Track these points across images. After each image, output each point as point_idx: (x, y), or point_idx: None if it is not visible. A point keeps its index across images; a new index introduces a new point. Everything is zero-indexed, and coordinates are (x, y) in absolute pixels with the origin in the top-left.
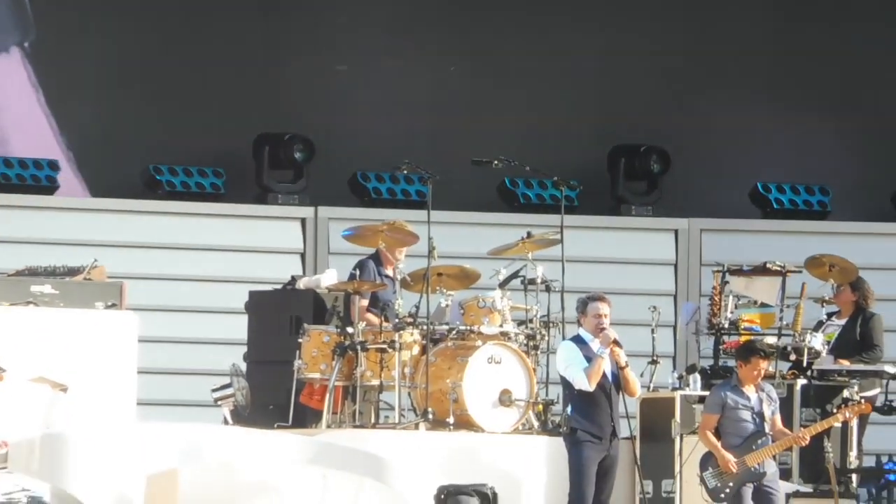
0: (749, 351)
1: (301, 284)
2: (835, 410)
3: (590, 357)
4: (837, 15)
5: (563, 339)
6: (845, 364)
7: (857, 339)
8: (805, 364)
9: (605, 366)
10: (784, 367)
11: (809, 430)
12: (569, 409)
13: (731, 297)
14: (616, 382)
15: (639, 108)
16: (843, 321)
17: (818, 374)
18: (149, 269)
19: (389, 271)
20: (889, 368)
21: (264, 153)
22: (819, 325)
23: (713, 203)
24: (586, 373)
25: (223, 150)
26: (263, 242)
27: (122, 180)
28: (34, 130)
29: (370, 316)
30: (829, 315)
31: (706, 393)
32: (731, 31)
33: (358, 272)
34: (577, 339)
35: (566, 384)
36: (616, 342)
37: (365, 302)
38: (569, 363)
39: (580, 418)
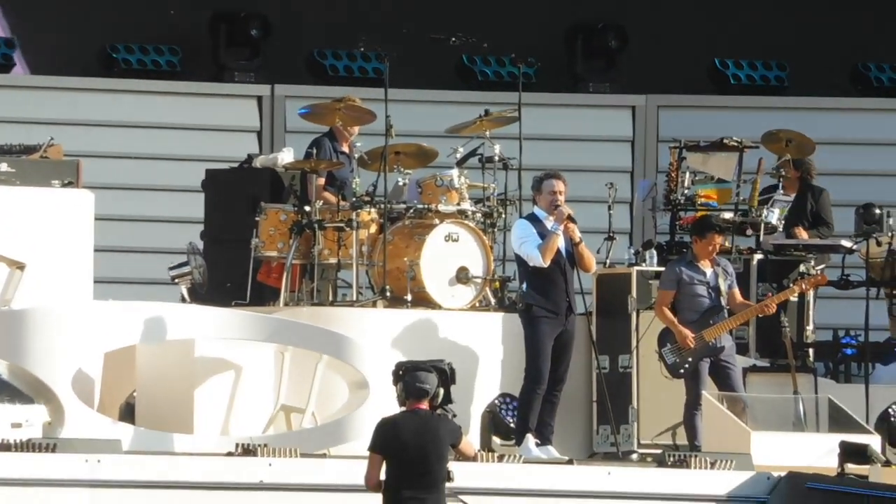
0: (704, 226)
1: (258, 163)
2: (791, 284)
3: (544, 234)
4: None
5: (521, 216)
6: (803, 235)
7: (807, 215)
8: (757, 238)
9: (560, 242)
10: (740, 242)
11: (774, 299)
12: (524, 285)
13: (687, 173)
14: (570, 259)
15: None
16: (790, 196)
17: (775, 248)
18: (105, 147)
19: (345, 148)
20: (846, 242)
21: (220, 31)
22: (767, 200)
23: (671, 80)
24: (540, 249)
25: (179, 28)
26: (220, 121)
27: (78, 59)
28: None
29: (327, 194)
30: (775, 188)
31: (662, 269)
32: None
33: (314, 150)
34: (532, 217)
35: (521, 261)
36: (570, 218)
37: (322, 180)
38: (523, 240)
39: (535, 294)
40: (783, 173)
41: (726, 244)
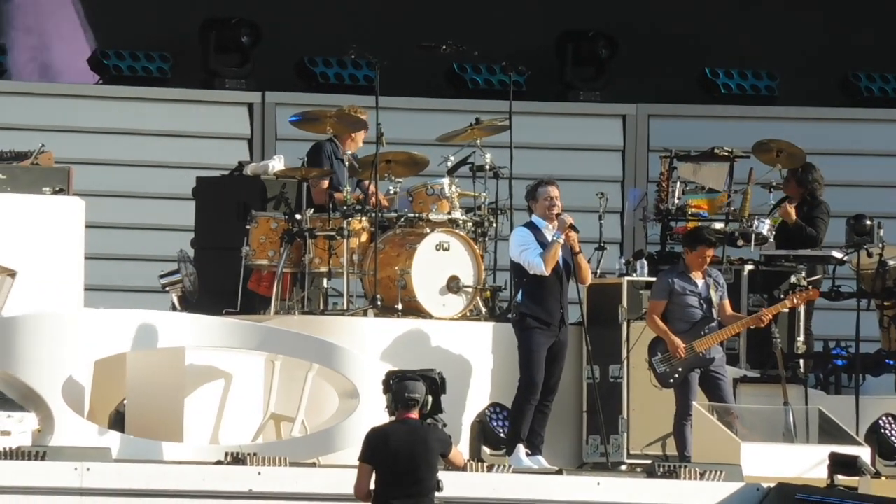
0: (695, 239)
1: (248, 170)
2: (782, 296)
3: (544, 242)
4: None
5: (511, 225)
6: (791, 213)
7: (799, 225)
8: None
9: (559, 252)
10: (731, 252)
11: (769, 311)
12: (519, 295)
13: (678, 183)
14: (567, 268)
15: None
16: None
17: (766, 259)
18: (96, 154)
19: (343, 157)
20: (836, 253)
21: (211, 37)
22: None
23: (661, 88)
24: (543, 257)
25: (170, 34)
26: (210, 128)
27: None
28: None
29: (338, 194)
30: (782, 200)
31: (653, 279)
32: None
33: (312, 156)
34: (531, 225)
35: (518, 270)
36: (572, 227)
37: (325, 183)
38: (524, 248)
39: (531, 304)
40: (773, 183)
41: (717, 255)
